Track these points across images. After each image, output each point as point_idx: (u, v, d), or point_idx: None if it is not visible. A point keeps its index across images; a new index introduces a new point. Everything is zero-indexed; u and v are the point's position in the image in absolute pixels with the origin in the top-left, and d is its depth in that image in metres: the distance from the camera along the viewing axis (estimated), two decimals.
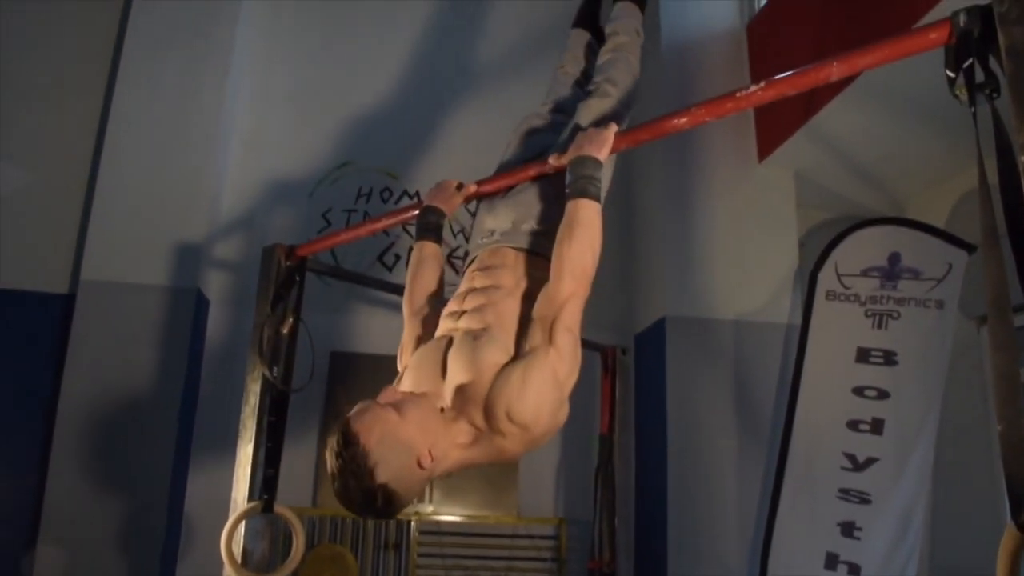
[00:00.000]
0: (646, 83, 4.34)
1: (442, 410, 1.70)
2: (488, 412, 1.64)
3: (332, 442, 1.59)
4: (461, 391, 1.69)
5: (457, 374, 1.71)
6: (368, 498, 1.57)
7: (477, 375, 1.67)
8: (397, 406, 1.63)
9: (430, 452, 1.61)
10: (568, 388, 1.73)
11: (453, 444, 1.67)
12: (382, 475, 1.55)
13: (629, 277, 4.33)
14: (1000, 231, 1.44)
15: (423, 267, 2.17)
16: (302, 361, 2.73)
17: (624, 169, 4.41)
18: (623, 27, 2.63)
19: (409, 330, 2.07)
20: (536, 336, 1.74)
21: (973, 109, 1.50)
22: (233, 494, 2.61)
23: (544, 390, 1.65)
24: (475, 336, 1.76)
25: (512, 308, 1.85)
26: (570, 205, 1.85)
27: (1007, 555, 1.38)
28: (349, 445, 1.55)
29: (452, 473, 1.76)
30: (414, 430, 1.61)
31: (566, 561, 3.94)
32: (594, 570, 3.79)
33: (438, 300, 2.14)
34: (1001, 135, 1.49)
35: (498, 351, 1.72)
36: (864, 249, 3.66)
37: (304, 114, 4.31)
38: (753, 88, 1.74)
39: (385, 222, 2.60)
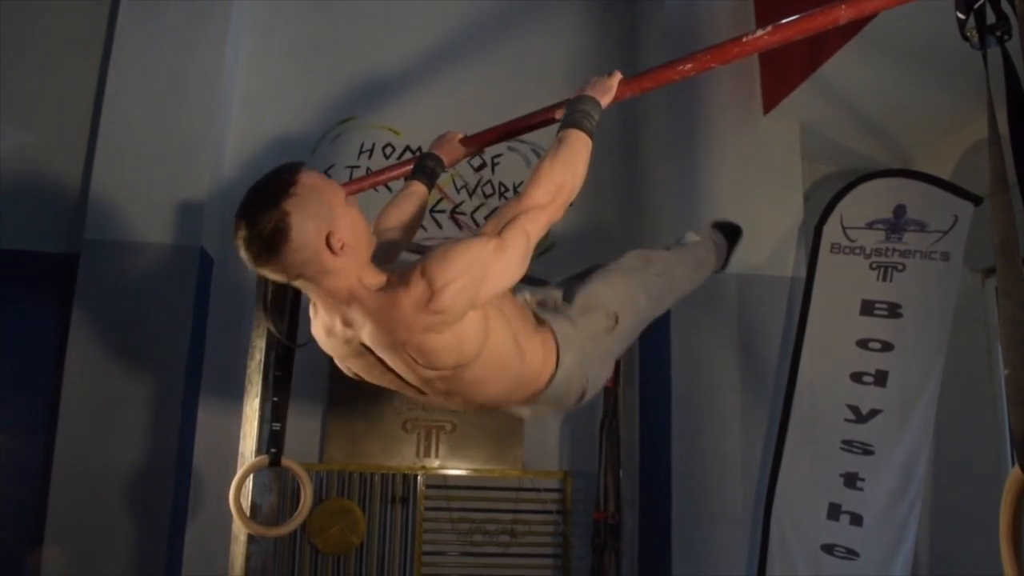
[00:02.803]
0: (650, 31, 4.33)
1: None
2: (408, 270, 1.61)
3: None
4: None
5: None
6: (263, 210, 1.54)
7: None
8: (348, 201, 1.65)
9: (343, 242, 1.58)
10: (497, 282, 1.66)
11: (362, 269, 1.64)
12: (291, 208, 1.54)
13: (633, 230, 4.32)
14: (1009, 181, 1.43)
15: (404, 200, 2.14)
16: (307, 317, 2.72)
17: (628, 122, 4.40)
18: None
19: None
20: (488, 224, 1.72)
21: (984, 51, 1.48)
22: (241, 448, 2.64)
23: (467, 262, 1.58)
24: None
25: None
26: (562, 132, 1.84)
27: (1011, 498, 1.39)
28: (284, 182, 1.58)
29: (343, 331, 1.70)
30: (348, 218, 1.62)
31: (571, 513, 3.98)
32: (599, 522, 3.83)
33: (406, 234, 2.10)
34: (1011, 78, 1.48)
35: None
36: (869, 202, 3.64)
37: (305, 70, 4.26)
38: (759, 33, 1.72)
39: (388, 174, 2.59)
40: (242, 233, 1.56)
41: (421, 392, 1.83)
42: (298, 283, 1.64)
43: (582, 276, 2.18)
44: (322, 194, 1.59)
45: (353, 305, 1.63)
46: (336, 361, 1.85)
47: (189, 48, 3.85)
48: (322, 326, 1.76)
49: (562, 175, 1.76)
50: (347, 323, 1.67)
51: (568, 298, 2.05)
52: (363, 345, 1.69)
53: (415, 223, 2.13)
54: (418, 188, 2.18)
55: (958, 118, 3.78)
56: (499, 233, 1.66)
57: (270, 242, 1.53)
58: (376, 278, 1.64)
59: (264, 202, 1.55)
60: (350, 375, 1.88)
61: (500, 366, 1.77)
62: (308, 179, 1.59)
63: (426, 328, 1.57)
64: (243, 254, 1.58)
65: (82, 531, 3.31)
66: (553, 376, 1.88)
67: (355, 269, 1.62)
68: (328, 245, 1.57)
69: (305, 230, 1.54)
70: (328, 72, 4.26)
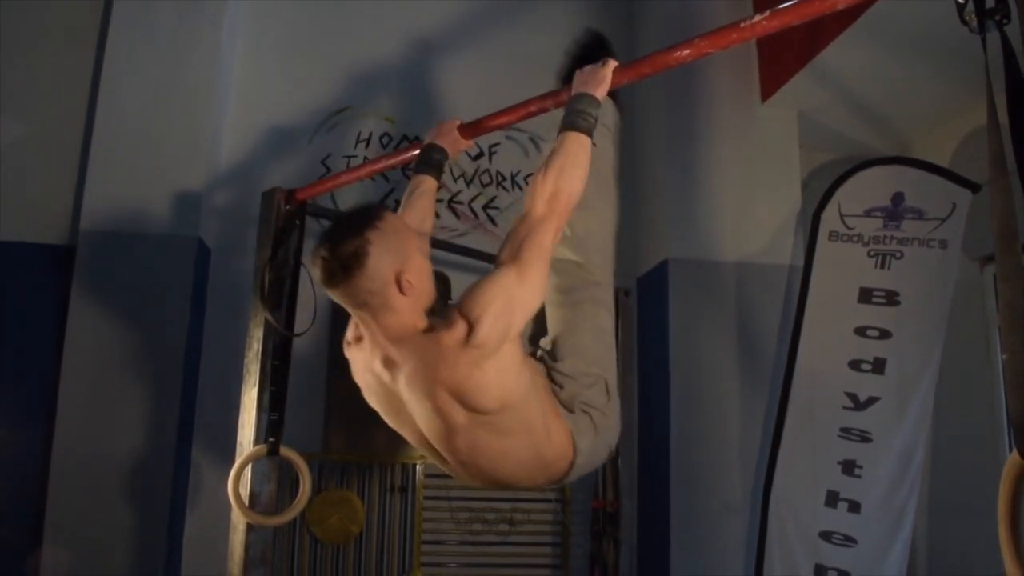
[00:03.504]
0: (648, 17, 4.32)
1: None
2: (447, 313, 1.71)
3: None
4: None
5: None
6: (346, 236, 1.67)
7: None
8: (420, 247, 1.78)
9: (411, 282, 1.69)
10: (526, 308, 1.74)
11: (418, 314, 1.74)
12: (373, 239, 1.66)
13: (631, 220, 4.31)
14: (1009, 167, 1.43)
15: (418, 198, 2.16)
16: (304, 307, 2.73)
17: (625, 109, 4.38)
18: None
19: None
20: (504, 252, 1.77)
21: (983, 35, 1.47)
22: (239, 438, 2.63)
23: (493, 294, 1.67)
24: None
25: None
26: (559, 137, 1.86)
27: (1009, 483, 1.39)
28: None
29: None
30: (418, 263, 1.74)
31: (570, 502, 3.99)
32: (598, 510, 3.84)
33: (426, 230, 2.14)
34: (1010, 63, 1.47)
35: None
36: (868, 189, 3.64)
37: (301, 59, 4.24)
38: (757, 18, 1.71)
39: (386, 162, 2.58)
40: (323, 253, 1.68)
41: (440, 457, 1.88)
42: (360, 312, 1.75)
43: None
44: (401, 235, 1.73)
45: (400, 345, 1.72)
46: (363, 391, 1.94)
47: (185, 39, 3.83)
48: (362, 361, 1.86)
49: (556, 182, 1.80)
50: (388, 363, 1.76)
51: (553, 381, 2.01)
52: (395, 393, 1.79)
53: (431, 217, 2.20)
54: (428, 183, 2.20)
55: (956, 105, 3.78)
56: (516, 259, 1.73)
57: (347, 265, 1.66)
58: (423, 324, 1.73)
59: (349, 229, 1.69)
60: (375, 407, 1.96)
61: (527, 430, 1.80)
62: (392, 220, 1.74)
63: (469, 364, 1.65)
64: (318, 273, 1.70)
65: (82, 522, 3.31)
66: (573, 463, 1.92)
67: (412, 312, 1.73)
68: (397, 282, 1.69)
69: (381, 262, 1.67)
70: (324, 61, 4.25)
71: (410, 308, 1.72)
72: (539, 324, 2.12)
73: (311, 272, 1.74)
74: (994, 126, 1.46)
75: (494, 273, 1.72)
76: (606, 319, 2.13)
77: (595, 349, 2.06)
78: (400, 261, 1.70)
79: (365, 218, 1.71)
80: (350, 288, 1.68)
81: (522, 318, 1.74)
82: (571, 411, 1.94)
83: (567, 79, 2.10)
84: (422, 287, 1.74)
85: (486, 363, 1.66)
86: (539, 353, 2.07)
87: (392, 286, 1.69)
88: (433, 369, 1.67)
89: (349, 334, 1.93)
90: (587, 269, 2.11)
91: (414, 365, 1.70)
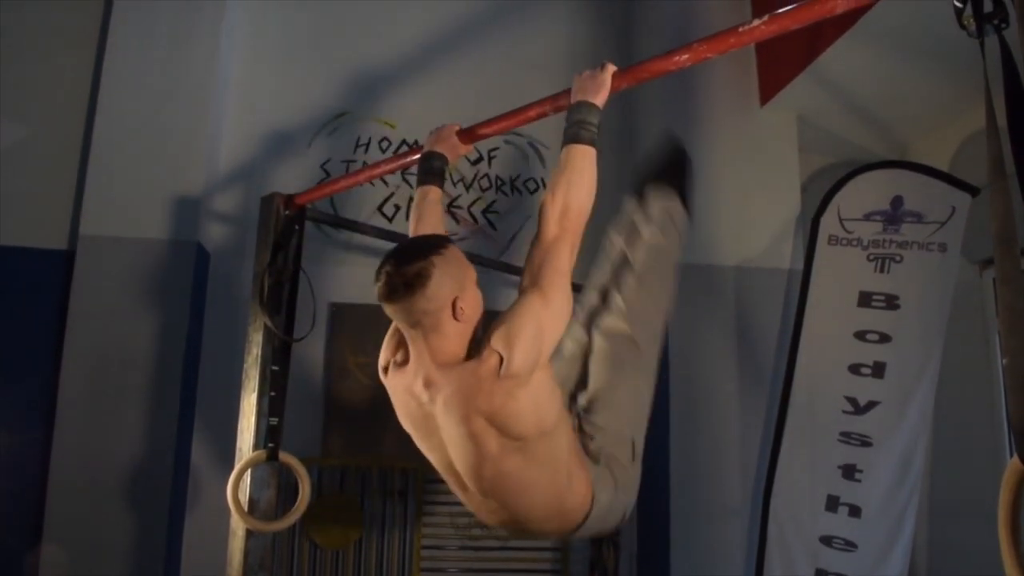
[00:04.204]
0: (646, 21, 4.32)
1: None
2: (481, 347, 1.76)
3: None
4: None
5: None
6: (413, 257, 1.76)
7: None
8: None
9: (464, 309, 1.77)
10: (553, 331, 1.77)
11: (463, 343, 1.80)
12: (437, 263, 1.75)
13: None
14: (1007, 170, 1.43)
15: (427, 211, 2.17)
16: (303, 312, 2.73)
17: (624, 114, 4.39)
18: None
19: None
20: (524, 279, 1.81)
21: (981, 39, 1.47)
22: (238, 443, 2.63)
23: (520, 324, 1.71)
24: None
25: None
26: (563, 152, 1.87)
27: (1009, 489, 1.38)
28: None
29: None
30: (473, 294, 1.83)
31: None
32: None
33: None
34: (1009, 67, 1.47)
35: None
36: (867, 193, 3.65)
37: (300, 64, 4.24)
38: (756, 23, 1.71)
39: (385, 167, 2.58)
40: (388, 269, 1.77)
41: (463, 485, 1.90)
42: (411, 331, 1.82)
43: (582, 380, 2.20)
44: (462, 266, 1.82)
45: (443, 370, 1.78)
46: (398, 414, 1.97)
47: (183, 43, 3.84)
48: (402, 384, 1.89)
49: (564, 199, 1.82)
50: (429, 385, 1.81)
51: (583, 432, 2.08)
52: (431, 416, 1.83)
53: (443, 227, 2.22)
54: (434, 192, 2.22)
55: (955, 109, 3.78)
56: (537, 286, 1.77)
57: (410, 283, 1.74)
58: (465, 353, 1.80)
59: (416, 250, 1.79)
60: (408, 430, 1.98)
61: (554, 466, 1.83)
62: (456, 251, 1.84)
63: (504, 394, 1.70)
64: (381, 288, 1.78)
65: (81, 526, 3.31)
66: (589, 514, 1.92)
67: (459, 339, 1.80)
68: (453, 307, 1.76)
69: (441, 285, 1.75)
70: (323, 66, 4.25)
71: (458, 335, 1.79)
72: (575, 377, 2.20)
73: (375, 287, 1.80)
74: (993, 130, 1.46)
75: (518, 303, 1.76)
76: (645, 386, 2.20)
77: (630, 410, 2.13)
78: (458, 288, 1.78)
79: (433, 244, 1.82)
80: (408, 305, 1.76)
81: (551, 343, 1.77)
82: (596, 462, 1.99)
83: (640, 188, 2.39)
84: (473, 316, 1.81)
85: (520, 391, 1.71)
86: (575, 408, 2.11)
87: (447, 310, 1.76)
88: (471, 397, 1.72)
89: (384, 359, 1.99)
90: (635, 341, 2.17)
91: (453, 391, 1.75)
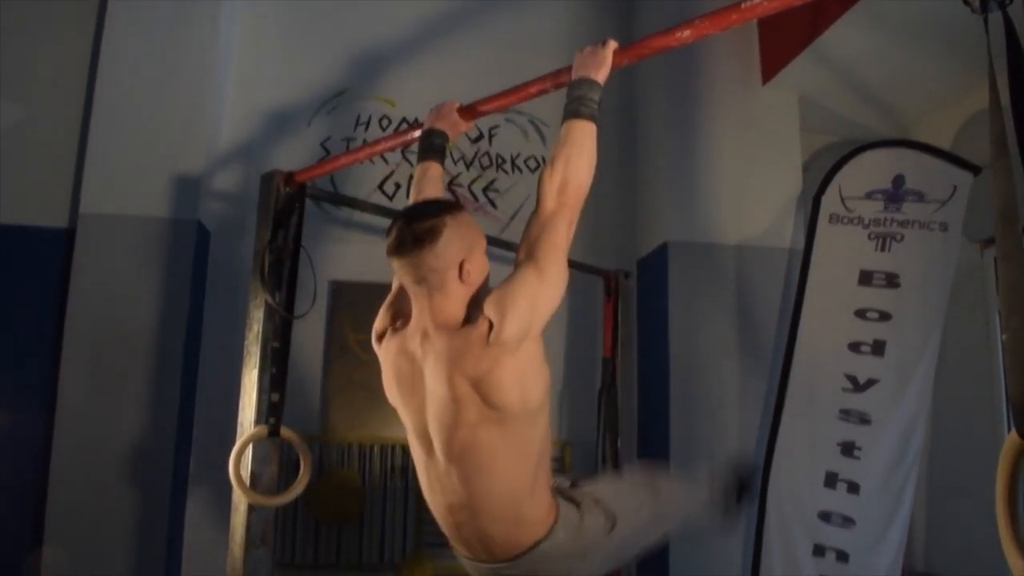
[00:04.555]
0: None
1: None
2: (477, 314, 1.78)
3: None
4: None
5: None
6: (426, 215, 1.80)
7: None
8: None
9: (471, 273, 1.80)
10: (547, 304, 1.78)
11: (464, 306, 1.82)
12: (449, 223, 1.78)
13: (632, 202, 4.31)
14: (1010, 149, 1.43)
15: (428, 187, 2.18)
16: (304, 290, 2.73)
17: (626, 93, 4.38)
18: None
19: None
20: (521, 252, 1.81)
21: (985, 16, 1.47)
22: (240, 419, 2.64)
23: (514, 296, 1.73)
24: None
25: None
26: (563, 128, 1.87)
27: (1007, 463, 1.40)
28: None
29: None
30: (481, 259, 1.86)
31: None
32: None
33: None
34: (1013, 43, 1.47)
35: None
36: (868, 172, 3.63)
37: (300, 42, 4.23)
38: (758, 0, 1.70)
39: (385, 144, 2.57)
40: (400, 225, 1.81)
41: (430, 450, 1.89)
42: (416, 287, 1.84)
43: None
44: (473, 230, 1.86)
45: (440, 332, 1.80)
46: (385, 380, 2.00)
47: (183, 22, 3.81)
48: (398, 342, 1.93)
49: (563, 174, 1.82)
50: (424, 340, 1.84)
51: (576, 485, 2.11)
52: (420, 373, 1.86)
53: None
54: (434, 169, 2.23)
55: (958, 88, 3.77)
56: (532, 258, 1.78)
57: (420, 238, 1.77)
58: (463, 317, 1.81)
59: (429, 209, 1.83)
60: (390, 396, 2.00)
61: (523, 455, 1.83)
62: (469, 216, 1.87)
63: (490, 360, 1.72)
64: (391, 241, 1.81)
65: (84, 503, 3.33)
66: (539, 542, 1.87)
67: (461, 302, 1.82)
68: (460, 268, 1.79)
69: (450, 244, 1.78)
70: (324, 44, 4.23)
71: (461, 298, 1.81)
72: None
73: (386, 240, 1.83)
74: (996, 107, 1.46)
75: (514, 275, 1.77)
76: (642, 515, 2.21)
77: (627, 501, 2.16)
78: (467, 251, 1.81)
79: (447, 205, 1.86)
80: (416, 260, 1.78)
81: (544, 315, 1.77)
82: (575, 505, 1.99)
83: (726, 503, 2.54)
84: (478, 282, 1.83)
85: (507, 359, 1.72)
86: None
87: (454, 270, 1.79)
88: (459, 360, 1.74)
89: (381, 325, 2.02)
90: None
91: (443, 350, 1.78)
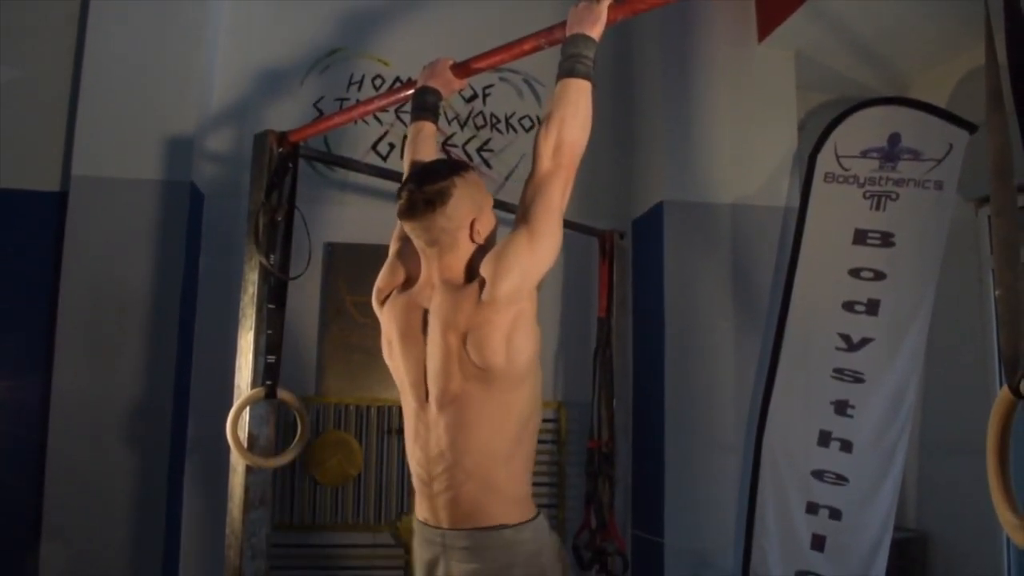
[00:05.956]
0: None
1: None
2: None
3: None
4: None
5: None
6: (435, 177, 1.83)
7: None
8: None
9: (480, 231, 1.86)
10: (539, 266, 1.78)
11: (470, 264, 1.86)
12: (458, 184, 1.83)
13: (626, 162, 4.29)
14: (1007, 107, 1.42)
15: (422, 146, 2.18)
16: (299, 251, 2.72)
17: (621, 51, 4.34)
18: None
19: None
20: (518, 214, 1.82)
21: None
22: (236, 381, 2.65)
23: (507, 257, 1.75)
24: None
25: None
26: (557, 86, 1.86)
27: (998, 417, 1.41)
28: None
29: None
30: (490, 217, 1.91)
31: (566, 443, 4.04)
32: (593, 450, 3.89)
33: None
34: (1011, 1, 1.45)
35: None
36: (864, 130, 3.62)
37: (291, 0, 4.17)
38: None
39: (379, 103, 2.55)
40: (411, 187, 1.84)
41: (423, 400, 1.88)
42: (428, 248, 1.88)
43: None
44: (481, 189, 1.90)
45: (443, 284, 1.85)
46: (384, 337, 2.01)
47: None
48: (404, 300, 1.95)
49: (558, 134, 1.81)
50: (430, 293, 1.88)
51: None
52: (424, 324, 1.88)
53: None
54: (428, 127, 2.23)
55: (955, 44, 3.75)
56: (526, 220, 1.78)
57: (431, 200, 1.80)
58: (467, 273, 1.86)
59: (439, 171, 1.86)
60: (386, 352, 2.02)
61: (505, 417, 1.81)
62: (476, 175, 1.91)
63: (480, 318, 1.75)
64: (402, 204, 1.84)
65: (82, 468, 3.34)
66: (505, 526, 1.82)
67: (468, 260, 1.87)
68: (471, 227, 1.85)
69: (460, 205, 1.83)
70: (315, 3, 4.17)
71: (470, 255, 1.86)
72: None
73: (397, 204, 1.86)
74: (992, 63, 1.45)
75: (509, 237, 1.79)
76: None
77: None
78: (477, 210, 1.86)
79: (455, 166, 1.88)
80: (427, 222, 1.82)
81: (535, 276, 1.79)
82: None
83: None
84: (487, 240, 1.89)
85: (496, 318, 1.74)
86: None
87: (465, 230, 1.84)
88: (454, 313, 1.79)
89: (387, 286, 2.04)
90: None
91: (442, 304, 1.83)
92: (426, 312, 1.88)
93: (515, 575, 1.80)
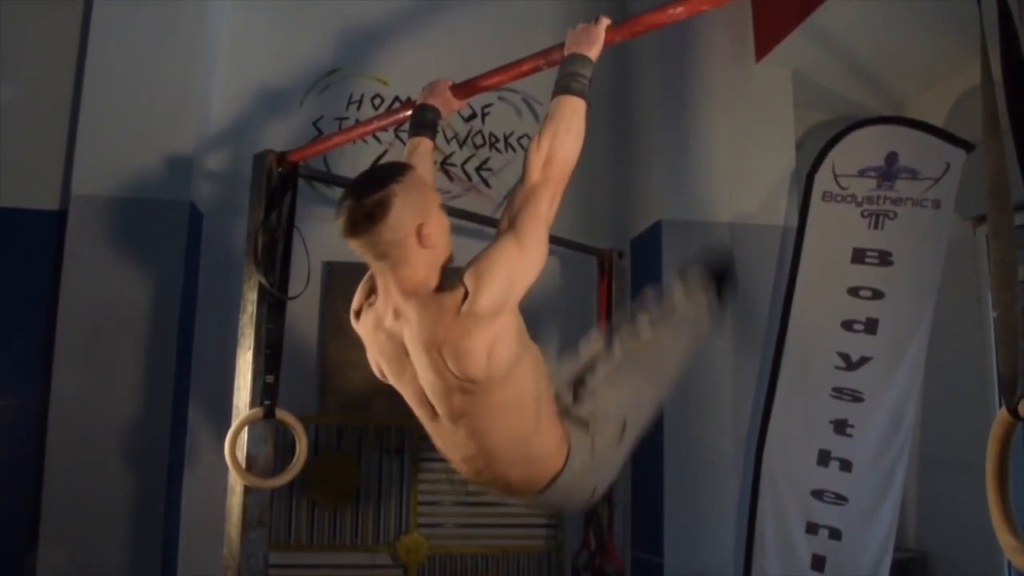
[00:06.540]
0: None
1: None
2: (454, 279, 1.75)
3: None
4: None
5: None
6: (372, 187, 1.73)
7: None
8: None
9: (430, 235, 1.75)
10: (524, 277, 1.74)
11: (432, 270, 1.78)
12: (397, 191, 1.72)
13: (625, 180, 4.30)
14: (1002, 124, 1.43)
15: (417, 160, 2.14)
16: (298, 271, 2.72)
17: (620, 70, 4.36)
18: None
19: None
20: (503, 223, 1.79)
21: None
22: (235, 401, 2.64)
23: (492, 266, 1.69)
24: None
25: None
26: (552, 102, 1.86)
27: (997, 440, 1.40)
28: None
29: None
30: (438, 218, 1.80)
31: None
32: None
33: None
34: (1006, 19, 1.46)
35: None
36: (862, 149, 3.63)
37: (291, 20, 4.19)
38: None
39: (378, 123, 2.56)
40: (348, 203, 1.73)
41: (434, 414, 1.88)
42: (379, 264, 1.79)
43: (587, 365, 2.20)
44: (423, 191, 1.80)
45: (410, 300, 1.76)
46: (370, 358, 2.00)
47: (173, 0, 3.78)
48: (373, 318, 1.89)
49: (549, 147, 1.80)
50: (398, 316, 1.81)
51: (578, 397, 2.08)
52: (403, 346, 1.82)
53: (432, 178, 2.18)
54: (425, 144, 2.20)
55: (951, 64, 3.77)
56: (513, 229, 1.74)
57: (371, 214, 1.71)
58: (435, 282, 1.78)
59: (374, 182, 1.75)
60: (378, 373, 2.00)
61: (516, 408, 1.81)
62: (415, 176, 1.80)
63: (462, 330, 1.68)
64: (342, 222, 1.74)
65: (80, 487, 3.33)
66: (559, 473, 1.90)
67: (428, 268, 1.77)
68: (418, 234, 1.74)
69: (403, 214, 1.72)
70: (315, 22, 4.20)
71: (426, 263, 1.77)
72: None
73: (337, 222, 1.76)
74: (988, 84, 1.46)
75: (493, 244, 1.74)
76: (650, 388, 2.21)
77: (630, 394, 2.12)
78: (422, 215, 1.75)
79: (390, 172, 1.78)
80: (373, 238, 1.73)
81: (521, 287, 1.74)
82: (584, 428, 1.98)
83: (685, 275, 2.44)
84: (440, 242, 1.79)
85: (478, 331, 1.68)
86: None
87: (412, 238, 1.74)
88: (433, 327, 1.71)
89: (357, 303, 1.98)
90: (654, 349, 2.26)
91: (418, 320, 1.74)
92: (398, 334, 1.83)
93: (598, 479, 2.02)
